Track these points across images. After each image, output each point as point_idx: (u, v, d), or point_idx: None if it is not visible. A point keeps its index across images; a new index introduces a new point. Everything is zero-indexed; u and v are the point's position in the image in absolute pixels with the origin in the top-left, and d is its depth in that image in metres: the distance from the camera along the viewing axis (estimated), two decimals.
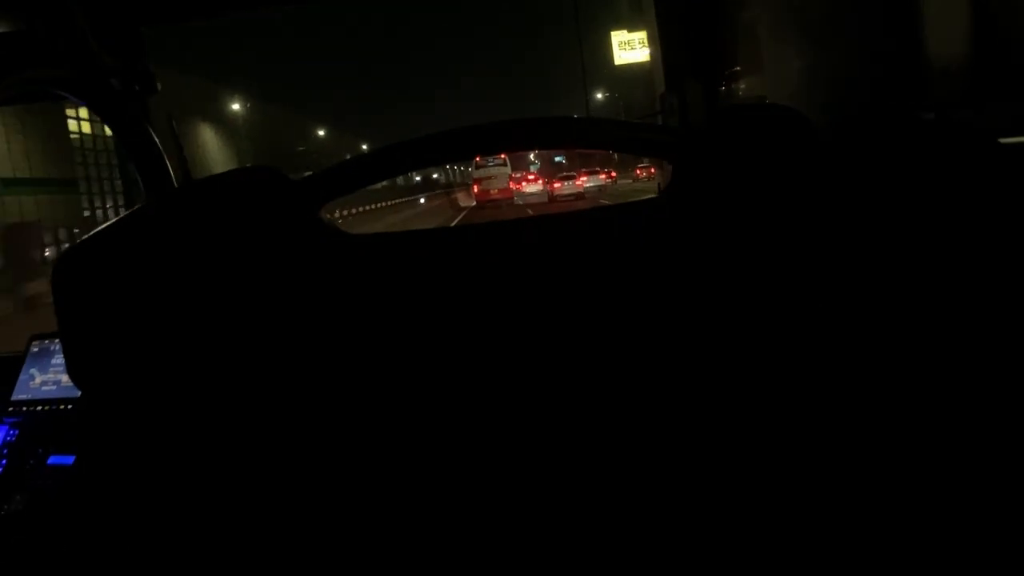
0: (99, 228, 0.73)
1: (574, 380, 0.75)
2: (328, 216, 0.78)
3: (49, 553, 1.22)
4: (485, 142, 0.81)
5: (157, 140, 1.59)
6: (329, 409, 0.75)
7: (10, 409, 1.53)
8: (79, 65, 1.49)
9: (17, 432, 1.47)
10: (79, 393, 1.46)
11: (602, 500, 0.75)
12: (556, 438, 0.75)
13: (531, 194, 32.92)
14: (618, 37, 31.46)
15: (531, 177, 35.87)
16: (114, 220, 0.75)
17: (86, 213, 24.82)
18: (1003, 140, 0.69)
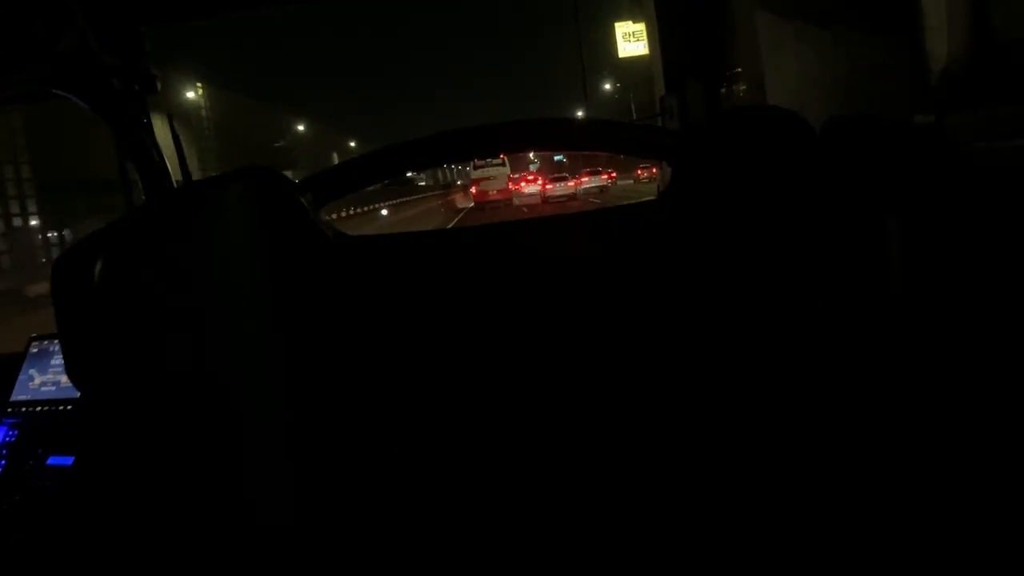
0: (98, 229, 0.73)
1: (573, 380, 0.75)
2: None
3: (48, 553, 1.22)
4: (485, 143, 0.81)
5: (156, 141, 1.59)
6: (328, 408, 0.75)
7: (9, 410, 1.53)
8: (79, 65, 1.49)
9: (16, 433, 1.47)
10: (78, 394, 1.46)
11: (602, 497, 0.75)
12: (556, 437, 0.75)
13: (530, 195, 32.95)
14: (622, 28, 30.26)
15: (530, 178, 35.89)
16: (113, 220, 0.74)
17: None
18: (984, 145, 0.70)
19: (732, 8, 1.45)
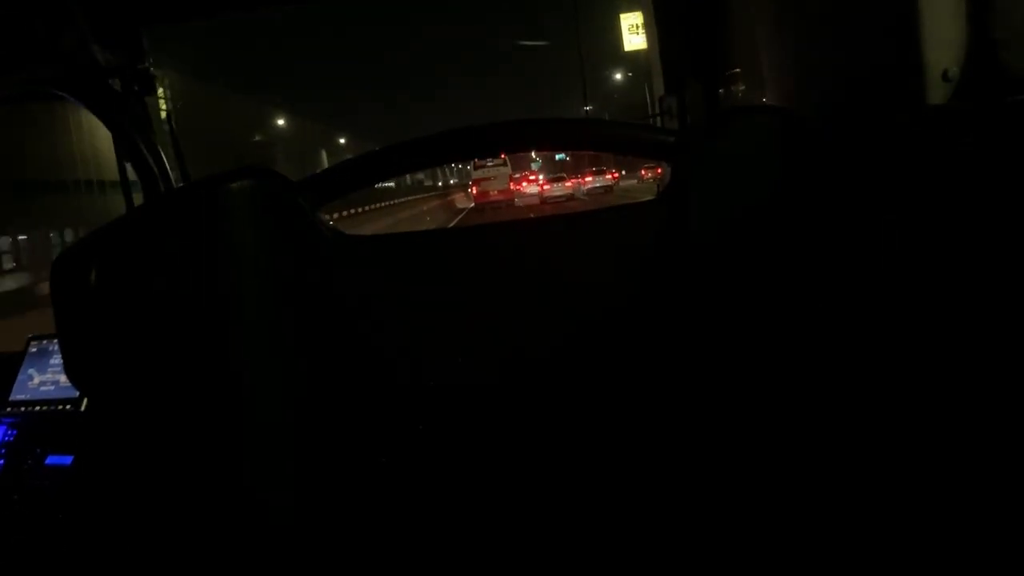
0: (97, 229, 0.73)
1: (572, 380, 0.75)
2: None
3: (47, 552, 1.22)
4: (485, 143, 0.81)
5: (155, 141, 1.59)
6: (327, 408, 0.75)
7: (8, 409, 1.53)
8: (79, 65, 1.49)
9: (15, 432, 1.48)
10: (77, 394, 1.46)
11: (603, 498, 0.75)
12: (556, 437, 0.75)
13: (531, 195, 32.91)
14: (627, 20, 29.65)
15: (532, 177, 35.82)
16: (112, 221, 0.74)
17: None
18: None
19: (731, 8, 1.45)
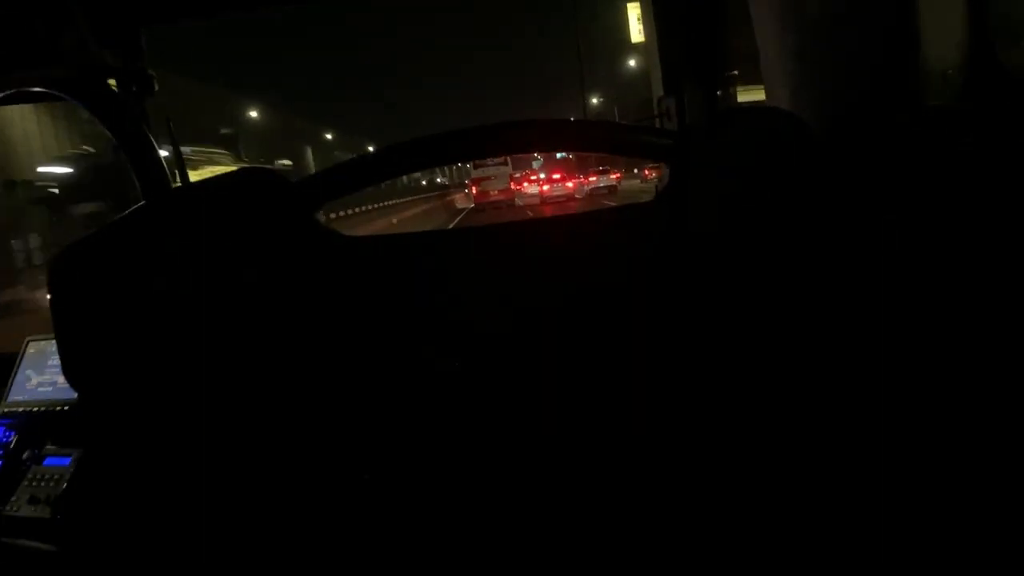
0: (96, 229, 0.73)
1: (572, 380, 0.75)
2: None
3: (45, 553, 1.22)
4: (484, 144, 0.81)
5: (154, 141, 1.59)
6: (325, 408, 0.75)
7: (6, 410, 1.53)
8: (79, 65, 1.49)
9: (13, 434, 1.47)
10: (75, 395, 1.46)
11: (602, 499, 0.75)
12: (556, 437, 0.75)
13: (532, 195, 32.91)
14: (635, 11, 28.66)
15: (533, 177, 35.79)
16: (111, 221, 0.74)
17: None
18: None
19: (731, 9, 1.45)
